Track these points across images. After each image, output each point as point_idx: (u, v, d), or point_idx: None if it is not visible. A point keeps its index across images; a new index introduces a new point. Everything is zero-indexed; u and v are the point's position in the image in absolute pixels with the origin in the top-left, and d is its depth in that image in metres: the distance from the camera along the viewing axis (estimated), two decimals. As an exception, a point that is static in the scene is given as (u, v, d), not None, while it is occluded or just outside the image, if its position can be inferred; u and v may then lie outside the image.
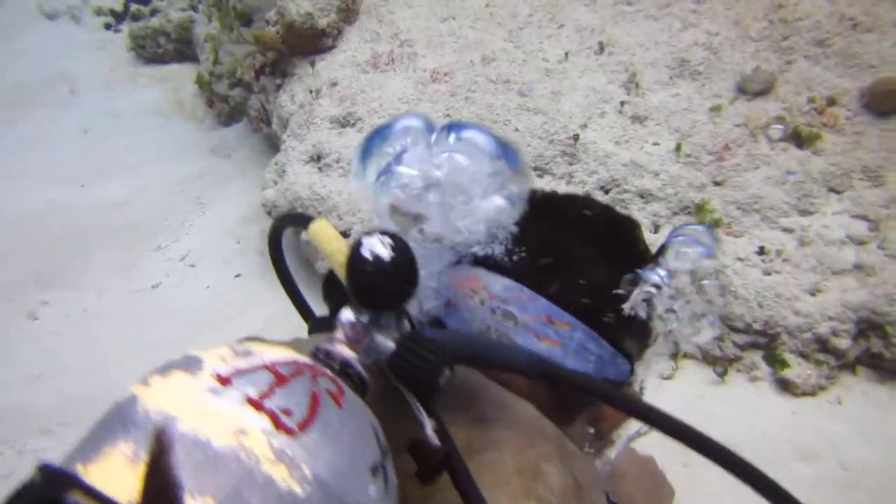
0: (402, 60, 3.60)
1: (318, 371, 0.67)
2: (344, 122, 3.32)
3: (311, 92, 3.49)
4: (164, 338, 2.98)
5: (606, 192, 3.07)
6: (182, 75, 5.52)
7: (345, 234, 2.94)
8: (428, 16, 3.85)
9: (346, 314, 0.79)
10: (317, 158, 3.24)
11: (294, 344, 0.95)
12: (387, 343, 0.80)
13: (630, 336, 1.08)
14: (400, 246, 0.77)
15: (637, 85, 3.35)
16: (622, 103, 3.27)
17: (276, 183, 3.32)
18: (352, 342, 0.78)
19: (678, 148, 3.13)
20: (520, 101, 3.31)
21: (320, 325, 1.19)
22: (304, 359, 0.68)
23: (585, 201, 1.18)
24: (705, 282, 2.99)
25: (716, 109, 3.26)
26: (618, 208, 1.22)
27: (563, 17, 3.82)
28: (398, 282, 0.77)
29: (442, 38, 3.74)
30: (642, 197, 3.04)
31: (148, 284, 3.33)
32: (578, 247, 1.08)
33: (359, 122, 3.29)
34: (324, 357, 0.75)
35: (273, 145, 4.27)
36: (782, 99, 3.31)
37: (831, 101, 3.29)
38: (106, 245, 3.55)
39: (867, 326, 2.69)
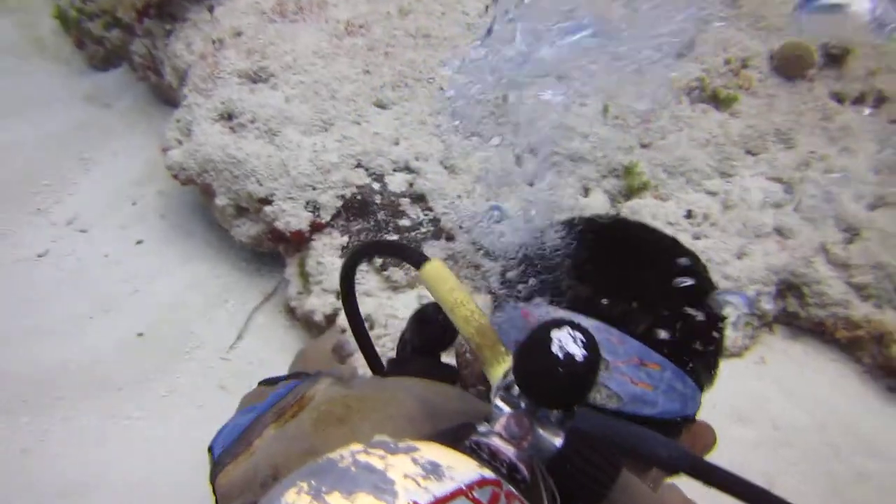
0: (311, 9, 3.45)
1: (511, 495, 0.64)
2: (255, 78, 3.15)
3: (213, 42, 3.27)
4: (63, 314, 2.80)
5: (535, 154, 3.09)
6: (33, 6, 4.98)
7: (266, 201, 2.82)
8: (336, -42, 3.67)
9: (506, 405, 0.75)
10: (227, 117, 3.07)
11: (430, 414, 0.92)
12: (551, 441, 0.74)
13: (705, 366, 1.07)
14: (591, 343, 0.70)
15: None
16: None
17: (180, 143, 3.11)
18: (514, 438, 0.73)
19: (605, 110, 3.22)
20: (444, 56, 3.25)
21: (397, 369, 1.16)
22: (489, 474, 0.64)
23: (647, 230, 1.16)
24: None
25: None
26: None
27: None
28: (588, 383, 0.70)
29: None
30: (573, 160, 3.11)
31: (32, 253, 3.05)
32: (654, 281, 1.05)
33: (272, 77, 3.14)
34: (488, 457, 0.71)
35: (163, 97, 4.01)
36: (702, 60, 3.47)
37: (745, 63, 3.50)
38: (-28, 207, 3.21)
39: (785, 287, 2.93)
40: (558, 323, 0.72)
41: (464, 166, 3.07)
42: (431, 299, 0.98)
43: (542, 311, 1.01)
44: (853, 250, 3.03)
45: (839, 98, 3.56)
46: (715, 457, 0.90)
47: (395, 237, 2.89)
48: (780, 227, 3.06)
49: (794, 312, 3.02)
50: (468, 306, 0.90)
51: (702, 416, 2.62)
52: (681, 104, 3.39)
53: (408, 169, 3.06)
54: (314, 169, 2.94)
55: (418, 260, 0.97)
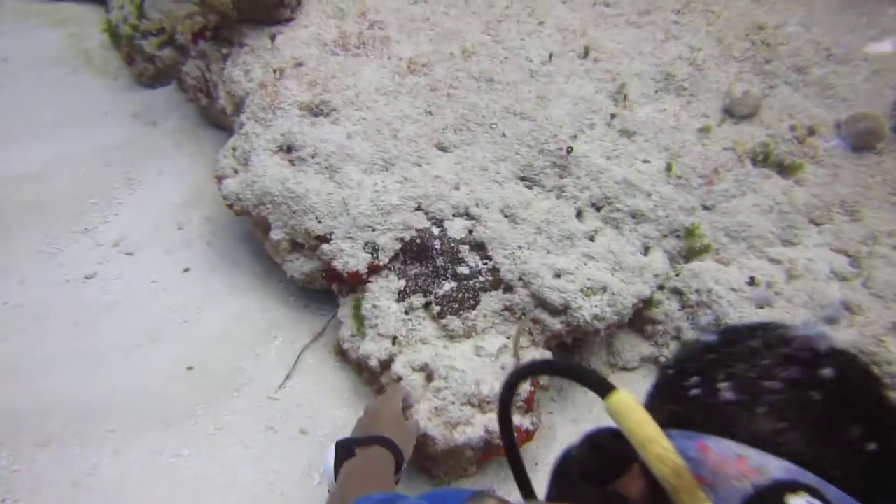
0: (374, 44, 3.48)
1: None
2: (316, 111, 3.17)
3: (274, 71, 3.29)
4: (112, 341, 2.79)
5: (598, 209, 3.10)
6: (84, 19, 5.07)
7: (323, 239, 2.81)
8: (399, -5, 3.71)
9: None
10: (286, 149, 3.08)
11: None
12: None
13: None
14: None
15: (625, 97, 3.40)
16: (612, 115, 3.32)
17: (236, 172, 3.10)
18: None
19: (669, 168, 3.23)
20: (506, 102, 3.26)
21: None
22: None
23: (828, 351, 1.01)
24: (702, 314, 3.05)
25: (705, 130, 3.39)
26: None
27: (542, 13, 3.85)
28: None
29: (415, 23, 3.66)
30: (634, 217, 3.12)
31: (80, 274, 3.04)
32: (841, 407, 0.93)
33: (333, 112, 3.16)
34: None
35: (213, 120, 4.05)
36: (766, 124, 3.52)
37: (811, 131, 3.50)
38: (22, 224, 3.20)
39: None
40: (793, 486, 0.68)
41: (525, 216, 3.06)
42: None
43: (722, 448, 0.91)
44: None
45: (904, 171, 3.57)
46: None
47: (452, 284, 2.86)
48: (848, 302, 3.04)
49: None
50: (661, 443, 0.87)
51: None
52: (744, 167, 3.40)
53: (467, 215, 3.05)
54: (375, 209, 2.94)
55: (603, 389, 0.93)
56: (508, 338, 2.91)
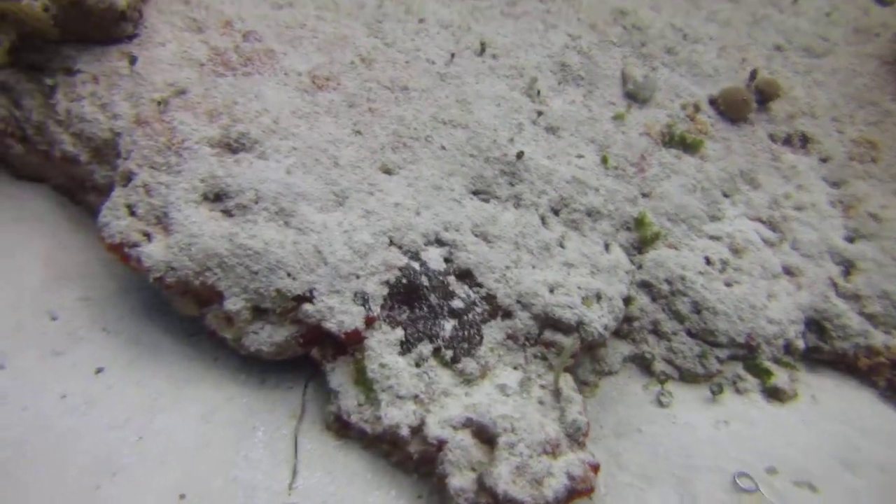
0: (259, 59, 3.16)
1: None
2: (235, 146, 2.78)
3: (157, 102, 2.75)
4: (60, 495, 2.09)
5: (557, 213, 3.12)
6: None
7: (304, 298, 2.44)
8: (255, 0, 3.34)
9: None
10: (214, 198, 2.65)
11: None
12: None
13: None
14: None
15: (538, 92, 3.42)
16: (539, 113, 3.31)
17: (148, 236, 2.55)
18: None
19: (604, 161, 3.39)
20: (431, 111, 3.11)
21: None
22: None
23: None
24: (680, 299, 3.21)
25: (618, 118, 3.60)
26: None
27: (417, 9, 3.79)
28: None
29: (292, 30, 3.42)
30: (590, 215, 3.24)
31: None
32: None
33: (256, 145, 2.80)
34: None
35: (33, 172, 3.29)
36: (662, 105, 3.84)
37: (696, 108, 3.84)
38: None
39: (811, 324, 3.22)
40: None
41: (496, 232, 2.98)
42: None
43: None
44: (858, 282, 3.48)
45: (773, 138, 4.06)
46: None
47: (453, 322, 2.67)
48: (787, 266, 3.39)
49: (817, 346, 3.35)
50: None
51: (809, 466, 2.83)
52: (660, 150, 3.61)
53: (439, 241, 2.90)
54: (352, 253, 2.64)
55: None
56: (515, 368, 2.81)
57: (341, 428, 2.72)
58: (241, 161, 2.87)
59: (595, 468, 2.58)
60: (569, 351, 2.81)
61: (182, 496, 2.33)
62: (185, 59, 3.22)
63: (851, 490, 2.82)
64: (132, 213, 2.81)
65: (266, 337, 2.72)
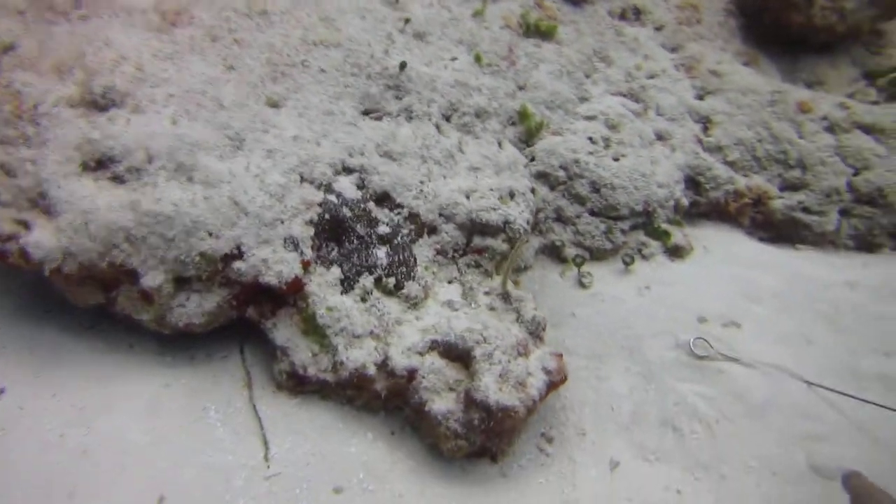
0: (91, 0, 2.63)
1: None
2: (102, 104, 2.34)
3: None
4: None
5: (448, 119, 3.01)
6: None
7: (233, 256, 2.23)
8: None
9: None
10: (97, 165, 2.26)
11: None
12: None
13: None
14: None
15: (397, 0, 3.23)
16: (406, 21, 3.14)
17: (26, 224, 2.14)
18: None
19: (477, 59, 3.35)
20: (298, 34, 2.85)
21: None
22: None
23: None
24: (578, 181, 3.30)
25: (478, 14, 3.54)
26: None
27: None
28: None
29: None
30: (478, 116, 3.15)
31: None
32: None
33: (127, 98, 2.41)
34: None
35: None
36: None
37: None
38: None
39: (686, 181, 3.40)
40: None
41: (399, 149, 2.84)
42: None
43: None
44: (717, 134, 3.67)
45: (612, 14, 4.13)
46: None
47: (385, 249, 2.52)
48: (658, 132, 3.52)
49: (695, 201, 3.55)
50: None
51: (716, 308, 3.10)
52: (523, 41, 3.56)
53: (347, 169, 2.71)
54: (269, 198, 2.39)
55: None
56: (451, 282, 2.74)
57: (296, 385, 2.51)
58: (116, 119, 2.47)
59: (560, 357, 2.62)
60: (518, 250, 2.75)
61: (161, 499, 2.09)
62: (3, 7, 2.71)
63: (762, 318, 3.05)
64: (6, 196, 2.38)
65: (195, 308, 2.41)
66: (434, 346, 2.46)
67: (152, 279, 2.32)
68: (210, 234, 2.34)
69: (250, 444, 2.33)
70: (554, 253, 3.41)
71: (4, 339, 2.48)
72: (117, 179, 2.37)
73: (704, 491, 2.39)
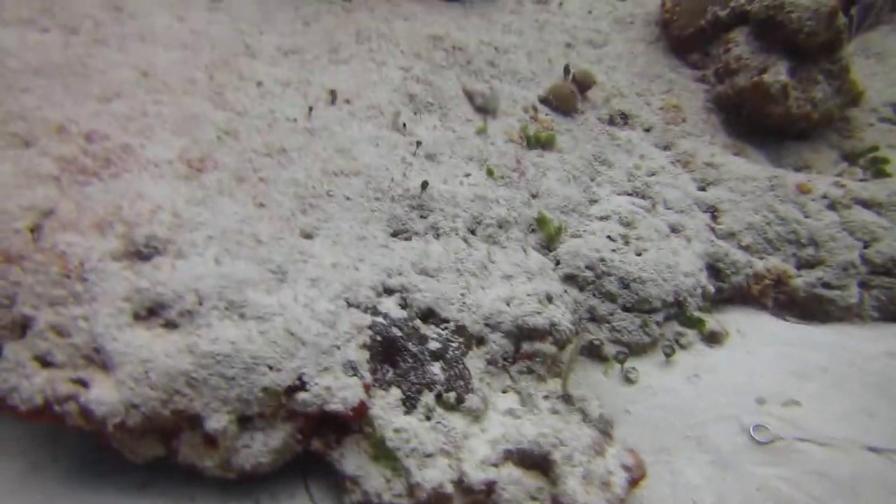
0: (118, 157, 2.81)
1: None
2: (146, 253, 2.36)
3: (30, 230, 2.28)
4: None
5: (473, 232, 3.05)
6: None
7: (296, 388, 2.17)
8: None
9: None
10: (149, 313, 2.25)
11: None
12: None
13: None
14: None
15: (404, 125, 3.34)
16: (418, 143, 3.24)
17: (84, 383, 2.09)
18: None
19: (490, 173, 3.45)
20: (320, 166, 2.91)
21: None
22: None
23: None
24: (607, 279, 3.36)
25: (481, 132, 3.63)
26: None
27: (249, 74, 3.48)
28: None
29: (136, 121, 3.08)
30: (501, 227, 3.19)
31: None
32: None
33: (168, 244, 2.42)
34: None
35: None
36: (508, 112, 3.91)
37: (535, 109, 4.03)
38: None
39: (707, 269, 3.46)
40: None
41: (435, 265, 2.86)
42: None
43: None
44: (726, 221, 3.79)
45: (601, 121, 4.34)
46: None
47: (439, 364, 2.48)
48: (671, 225, 3.61)
49: (719, 287, 3.58)
50: None
51: (767, 392, 3.11)
52: (528, 152, 3.68)
53: (388, 290, 2.70)
54: (322, 326, 2.36)
55: None
56: (505, 392, 2.68)
57: None
58: (160, 266, 2.46)
59: (635, 452, 2.54)
60: (576, 349, 2.73)
61: None
62: (30, 176, 2.72)
63: (818, 394, 3.05)
64: (47, 365, 2.30)
65: (261, 447, 2.32)
66: (508, 455, 2.38)
67: (216, 421, 2.24)
68: (270, 368, 2.29)
69: None
70: (593, 353, 3.39)
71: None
72: (170, 325, 2.34)
73: None
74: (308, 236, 2.86)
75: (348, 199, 3.08)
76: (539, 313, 2.89)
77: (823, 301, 3.80)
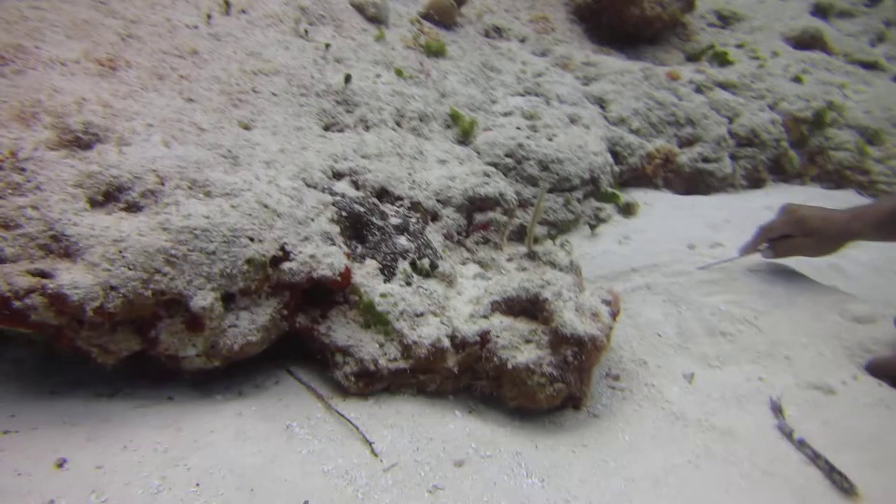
0: (16, 55, 2.47)
1: None
2: (86, 140, 2.11)
3: None
4: None
5: (399, 124, 3.06)
6: None
7: (282, 258, 2.10)
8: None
9: None
10: (106, 197, 2.00)
11: None
12: None
13: None
14: None
15: (306, 32, 3.27)
16: (326, 46, 3.16)
17: (49, 275, 1.82)
18: None
19: (399, 73, 3.52)
20: (237, 67, 2.76)
21: None
22: None
23: None
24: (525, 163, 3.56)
25: (381, 39, 3.64)
26: None
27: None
28: None
29: (21, 24, 2.68)
30: (422, 120, 3.28)
31: None
32: None
33: (107, 132, 2.16)
34: None
35: None
36: (398, 24, 3.85)
37: (420, 22, 4.01)
38: None
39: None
40: None
41: (375, 151, 2.80)
42: None
43: None
44: (615, 109, 4.02)
45: (478, 33, 4.42)
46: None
47: (405, 236, 2.44)
48: (569, 116, 3.76)
49: (620, 170, 3.79)
50: None
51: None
52: (426, 58, 3.70)
53: (337, 174, 2.60)
54: (291, 200, 2.23)
55: None
56: (464, 263, 2.70)
57: (366, 385, 2.30)
58: (106, 152, 2.20)
59: (612, 290, 2.68)
60: (540, 200, 2.74)
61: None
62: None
63: (731, 238, 3.38)
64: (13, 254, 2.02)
65: (248, 325, 2.17)
66: (496, 306, 2.39)
67: (202, 298, 2.07)
68: (252, 240, 2.15)
69: (352, 447, 2.10)
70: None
71: (28, 421, 2.11)
72: (133, 207, 2.12)
73: (781, 372, 2.52)
74: (246, 127, 2.70)
75: (275, 94, 2.93)
76: (486, 184, 2.94)
77: (704, 174, 4.18)
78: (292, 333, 2.38)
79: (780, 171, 4.57)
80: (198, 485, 1.87)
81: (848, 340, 2.75)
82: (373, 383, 2.35)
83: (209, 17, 3.28)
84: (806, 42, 5.76)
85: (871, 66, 5.96)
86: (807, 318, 2.84)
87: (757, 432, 2.31)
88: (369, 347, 2.33)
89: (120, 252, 2.03)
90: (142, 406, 2.22)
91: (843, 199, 4.29)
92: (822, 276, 3.22)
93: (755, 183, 4.43)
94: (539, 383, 2.30)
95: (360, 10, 3.98)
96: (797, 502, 1.99)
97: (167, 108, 2.56)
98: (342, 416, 2.22)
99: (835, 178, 4.59)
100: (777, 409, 2.36)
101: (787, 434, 2.24)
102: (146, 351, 2.19)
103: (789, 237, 2.92)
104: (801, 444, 2.19)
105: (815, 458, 2.11)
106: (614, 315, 2.52)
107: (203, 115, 2.62)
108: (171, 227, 2.10)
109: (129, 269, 2.03)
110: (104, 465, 1.90)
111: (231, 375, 2.37)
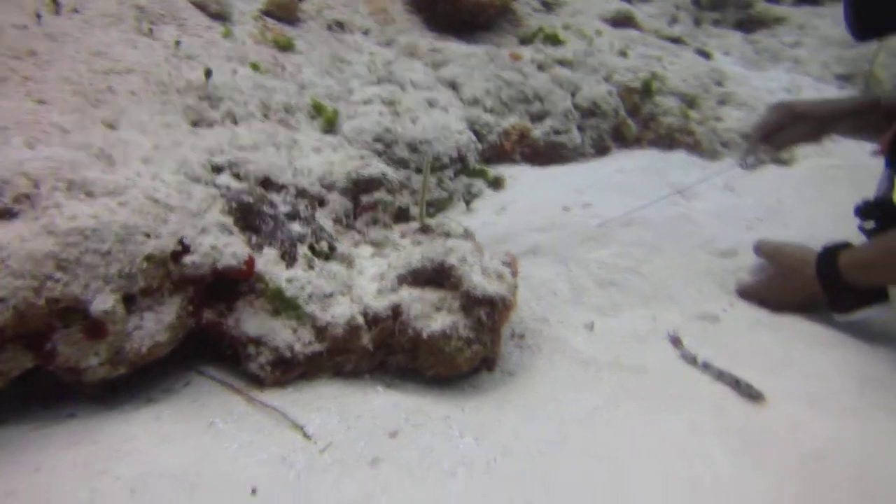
0: None
1: None
2: None
3: None
4: None
5: (266, 116, 2.93)
6: None
7: (182, 252, 2.00)
8: None
9: None
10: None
11: None
12: None
13: None
14: None
15: (150, 31, 3.06)
16: (176, 43, 2.98)
17: None
18: None
19: (255, 67, 3.39)
20: (84, 66, 2.58)
21: None
22: None
23: None
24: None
25: (228, 35, 3.58)
26: None
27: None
28: None
29: None
30: (288, 111, 3.16)
31: None
32: None
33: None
34: None
35: None
36: (241, 21, 3.76)
37: (263, 19, 3.88)
38: None
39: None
40: None
41: (250, 143, 2.76)
42: None
43: None
44: (467, 91, 4.21)
45: (321, 27, 4.34)
46: None
47: (297, 222, 2.37)
48: (427, 100, 3.85)
49: (481, 149, 3.87)
50: None
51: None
52: (278, 53, 3.58)
53: (216, 168, 2.49)
54: (177, 193, 2.10)
55: None
56: (357, 245, 2.66)
57: (282, 374, 2.21)
58: None
59: (509, 252, 2.72)
60: (427, 168, 2.72)
61: (254, 490, 1.73)
62: None
63: (596, 199, 3.59)
64: None
65: (154, 325, 2.01)
66: (402, 279, 2.39)
67: (103, 302, 1.89)
68: (148, 236, 2.00)
69: (282, 434, 2.01)
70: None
71: None
72: (7, 214, 1.91)
73: (669, 310, 2.77)
74: (112, 126, 2.51)
75: (134, 93, 2.74)
76: (368, 166, 2.92)
77: (557, 146, 4.38)
78: (199, 331, 2.26)
79: (621, 139, 4.92)
80: (133, 491, 1.74)
81: (718, 274, 3.04)
82: (290, 370, 2.29)
83: (38, 16, 3.03)
84: (621, 21, 6.27)
85: (676, 40, 6.58)
86: (681, 260, 3.11)
87: (664, 364, 2.52)
88: (283, 334, 2.26)
89: (2, 261, 1.84)
90: (42, 427, 2.01)
91: (677, 160, 4.69)
92: (679, 224, 3.54)
93: (602, 151, 4.72)
94: (457, 347, 2.33)
95: (201, 7, 3.83)
96: (717, 414, 2.18)
97: (19, 111, 2.34)
98: (266, 405, 2.16)
99: (667, 141, 5.00)
100: (676, 341, 2.58)
101: (691, 360, 2.46)
102: (41, 367, 2.01)
103: (782, 130, 3.05)
104: (705, 367, 2.40)
105: (721, 376, 2.33)
106: (514, 276, 2.61)
107: (61, 115, 2.42)
108: (56, 231, 1.93)
109: (17, 277, 1.83)
110: (17, 490, 1.72)
111: (135, 384, 2.21)
